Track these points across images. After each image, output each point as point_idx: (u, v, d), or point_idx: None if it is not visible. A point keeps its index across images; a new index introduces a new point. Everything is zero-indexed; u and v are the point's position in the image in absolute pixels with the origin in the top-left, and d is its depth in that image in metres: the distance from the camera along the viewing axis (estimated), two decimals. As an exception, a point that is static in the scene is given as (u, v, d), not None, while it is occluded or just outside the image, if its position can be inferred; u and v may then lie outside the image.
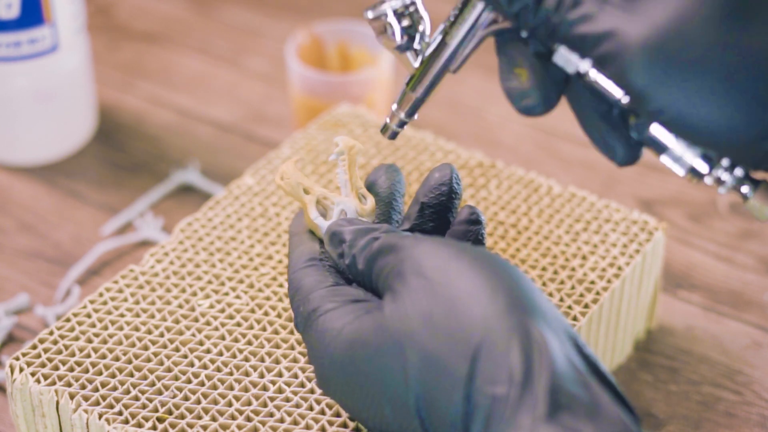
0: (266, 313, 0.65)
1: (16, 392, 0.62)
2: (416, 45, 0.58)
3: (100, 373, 0.62)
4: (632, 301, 0.71)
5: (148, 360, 0.62)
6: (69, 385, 0.61)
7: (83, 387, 0.61)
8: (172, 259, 0.68)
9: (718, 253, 0.83)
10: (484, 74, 1.02)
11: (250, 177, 0.75)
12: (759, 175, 0.53)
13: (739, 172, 0.53)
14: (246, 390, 0.61)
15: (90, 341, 0.63)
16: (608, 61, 0.52)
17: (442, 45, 0.57)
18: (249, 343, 0.63)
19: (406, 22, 0.58)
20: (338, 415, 0.60)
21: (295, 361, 0.62)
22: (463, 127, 0.96)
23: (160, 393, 0.61)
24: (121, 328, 0.64)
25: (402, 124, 0.60)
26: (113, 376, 0.61)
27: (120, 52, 1.06)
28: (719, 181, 0.53)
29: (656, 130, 0.53)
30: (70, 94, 0.91)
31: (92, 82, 0.94)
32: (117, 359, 0.62)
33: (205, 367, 0.62)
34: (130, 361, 0.62)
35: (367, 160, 0.76)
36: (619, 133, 0.55)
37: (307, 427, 0.59)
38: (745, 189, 0.53)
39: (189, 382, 0.61)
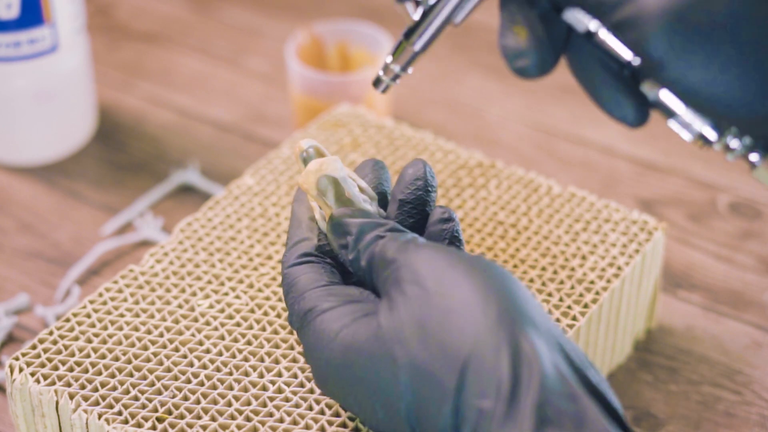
0: (266, 313, 0.65)
1: (15, 392, 0.62)
2: None
3: (99, 373, 0.62)
4: (632, 300, 0.71)
5: (148, 360, 0.62)
6: (69, 385, 0.61)
7: (83, 387, 0.61)
8: (171, 259, 0.68)
9: (718, 253, 0.83)
10: (484, 74, 1.02)
11: (250, 177, 0.75)
12: None
13: (747, 139, 0.52)
14: (245, 390, 0.61)
15: (90, 341, 0.63)
16: (625, 28, 0.50)
17: None
18: (248, 343, 0.63)
19: None
20: (338, 414, 0.60)
21: (294, 361, 0.62)
22: (462, 127, 0.96)
23: (159, 393, 0.61)
24: (120, 328, 0.64)
25: (395, 78, 0.58)
26: (113, 376, 0.61)
27: (120, 52, 1.06)
28: (727, 148, 0.52)
29: (666, 94, 0.52)
30: (70, 94, 0.91)
31: (92, 82, 0.94)
32: (117, 359, 0.62)
33: (204, 367, 0.62)
34: (129, 361, 0.62)
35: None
36: (630, 93, 0.53)
37: (307, 426, 0.59)
38: (753, 157, 0.52)
39: (188, 382, 0.61)
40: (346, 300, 0.56)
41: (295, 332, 0.64)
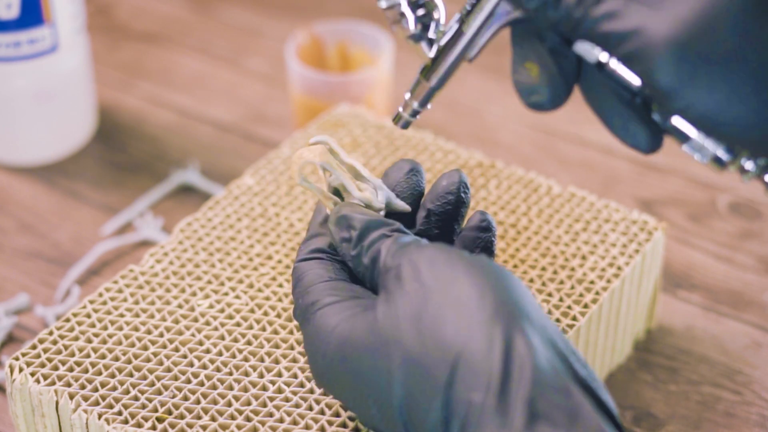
0: (266, 313, 0.65)
1: (15, 392, 0.62)
2: (431, 34, 0.57)
3: (99, 373, 0.62)
4: (632, 301, 0.71)
5: (148, 360, 0.62)
6: (68, 385, 0.61)
7: (83, 387, 0.61)
8: (171, 259, 0.68)
9: (718, 253, 0.83)
10: (484, 74, 1.02)
11: (249, 177, 0.75)
12: None
13: (762, 160, 0.52)
14: (245, 390, 0.61)
15: (90, 341, 0.63)
16: (633, 60, 0.51)
17: (458, 34, 0.56)
18: (248, 343, 0.63)
19: (420, 11, 0.57)
20: (338, 414, 0.60)
21: (294, 361, 0.62)
22: (462, 127, 0.96)
23: (159, 393, 0.61)
24: (120, 328, 0.64)
25: (415, 114, 0.59)
26: (113, 376, 0.61)
27: (120, 52, 1.06)
28: (742, 170, 0.53)
29: (678, 120, 0.53)
30: (70, 94, 0.91)
31: (92, 82, 0.94)
32: (117, 359, 0.62)
33: (204, 367, 0.62)
34: (129, 361, 0.62)
35: (367, 159, 0.76)
36: (642, 120, 0.54)
37: (307, 426, 0.59)
38: None
39: (188, 382, 0.61)
40: (349, 296, 0.56)
41: (295, 331, 0.64)
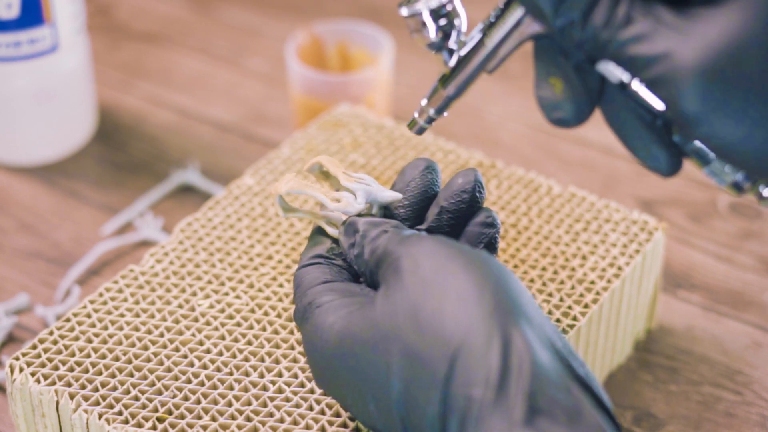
0: (266, 313, 0.65)
1: (16, 392, 0.62)
2: (451, 43, 0.57)
3: (100, 373, 0.62)
4: (632, 301, 0.71)
5: (148, 360, 0.62)
6: (69, 385, 0.61)
7: (83, 387, 0.61)
8: (172, 259, 0.68)
9: (718, 253, 0.83)
10: (484, 74, 1.02)
11: (250, 177, 0.75)
12: None
13: None
14: (246, 390, 0.61)
15: (90, 341, 0.63)
16: (659, 84, 0.50)
17: (479, 45, 0.56)
18: (249, 343, 0.63)
19: (442, 21, 0.56)
20: (338, 415, 0.60)
21: (294, 361, 0.62)
22: (463, 127, 0.96)
23: (160, 393, 0.61)
24: (121, 328, 0.64)
25: (430, 121, 0.59)
26: (113, 376, 0.61)
27: (120, 52, 1.06)
28: (761, 197, 0.53)
29: (699, 144, 0.53)
30: (70, 94, 0.91)
31: (92, 82, 0.94)
32: (117, 359, 0.62)
33: (205, 367, 0.62)
34: (130, 361, 0.62)
35: (367, 159, 0.76)
36: (663, 143, 0.54)
37: (307, 427, 0.59)
38: None
39: (189, 382, 0.61)
40: (346, 294, 0.56)
41: (295, 331, 0.64)
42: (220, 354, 0.63)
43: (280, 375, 0.62)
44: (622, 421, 0.71)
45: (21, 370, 0.62)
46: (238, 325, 0.64)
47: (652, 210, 0.87)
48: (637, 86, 0.52)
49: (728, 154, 0.51)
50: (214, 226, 0.71)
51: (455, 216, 0.60)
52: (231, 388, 0.61)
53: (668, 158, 0.54)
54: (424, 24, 0.56)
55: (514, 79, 1.02)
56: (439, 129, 0.95)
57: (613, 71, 0.52)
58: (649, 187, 0.90)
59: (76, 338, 0.63)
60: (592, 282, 0.67)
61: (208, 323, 0.65)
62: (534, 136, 0.95)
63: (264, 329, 0.64)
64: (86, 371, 0.62)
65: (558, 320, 0.65)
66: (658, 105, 0.52)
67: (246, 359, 0.62)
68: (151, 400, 0.60)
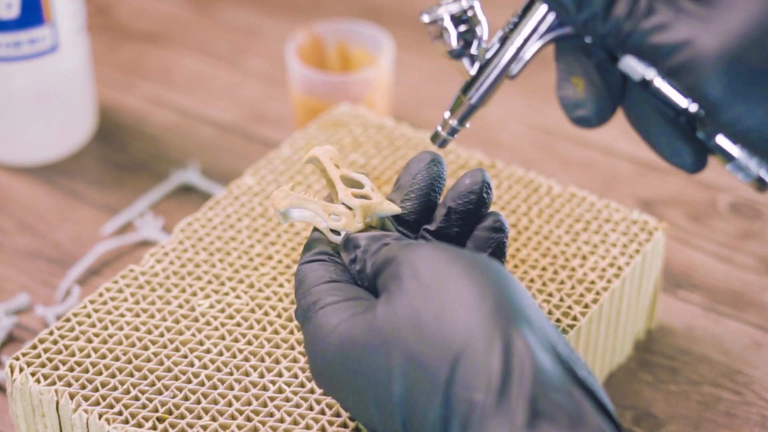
0: (266, 313, 0.65)
1: (16, 392, 0.62)
2: (473, 50, 0.56)
3: (100, 373, 0.62)
4: (632, 301, 0.71)
5: (148, 360, 0.62)
6: (69, 385, 0.61)
7: (83, 387, 0.61)
8: (172, 259, 0.68)
9: (718, 253, 0.83)
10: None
11: (250, 177, 0.75)
12: None
13: None
14: (246, 390, 0.61)
15: (90, 341, 0.63)
16: (682, 72, 0.50)
17: (501, 51, 0.56)
18: (249, 343, 0.63)
19: (462, 27, 0.56)
20: (338, 415, 0.60)
21: (295, 361, 0.62)
22: (463, 127, 0.96)
23: (160, 393, 0.61)
24: (121, 328, 0.64)
25: (453, 132, 0.59)
26: (113, 376, 0.61)
27: (120, 52, 1.06)
28: None
29: (723, 140, 0.53)
30: (70, 94, 0.91)
31: (92, 82, 0.94)
32: (117, 359, 0.62)
33: (205, 367, 0.62)
34: (130, 361, 0.62)
35: (368, 159, 0.76)
36: (687, 140, 0.54)
37: (307, 427, 0.59)
38: None
39: (189, 382, 0.61)
40: (349, 296, 0.56)
41: (295, 331, 0.64)
42: (220, 354, 0.63)
43: (280, 375, 0.62)
44: (622, 421, 0.71)
45: (21, 370, 0.62)
46: (238, 325, 0.64)
47: (652, 210, 0.87)
48: (660, 83, 0.52)
49: (752, 141, 0.51)
50: (214, 226, 0.71)
51: (463, 217, 0.60)
52: (231, 388, 0.61)
53: (693, 154, 0.54)
54: (444, 30, 0.56)
55: (514, 79, 1.02)
56: (439, 129, 0.95)
57: (636, 68, 0.52)
58: (649, 187, 0.90)
59: (76, 338, 0.63)
60: (592, 282, 0.67)
61: (208, 323, 0.65)
62: (534, 136, 0.95)
63: (264, 329, 0.64)
64: (86, 371, 0.62)
65: (558, 320, 0.65)
66: (682, 101, 0.52)
67: (246, 359, 0.62)
68: (151, 400, 0.60)
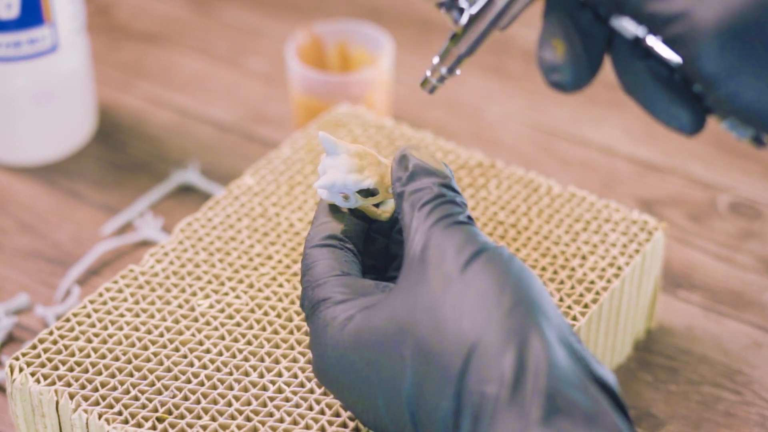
0: (266, 313, 0.65)
1: (15, 392, 0.62)
2: (462, 2, 0.56)
3: (99, 373, 0.62)
4: (632, 301, 0.71)
5: (148, 360, 0.62)
6: (69, 385, 0.61)
7: (83, 387, 0.61)
8: (171, 259, 0.68)
9: (718, 253, 0.83)
10: (484, 74, 1.02)
11: (250, 177, 0.75)
12: None
13: None
14: (246, 390, 0.61)
15: (90, 341, 0.63)
16: (677, 43, 0.50)
17: (490, 2, 0.55)
18: (249, 343, 0.63)
19: None
20: (338, 415, 0.60)
21: (294, 361, 0.62)
22: (462, 127, 0.96)
23: (159, 393, 0.61)
24: (120, 328, 0.64)
25: (442, 79, 0.59)
26: (113, 376, 0.61)
27: (120, 52, 1.06)
28: None
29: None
30: (70, 94, 0.91)
31: (92, 82, 0.94)
32: (117, 359, 0.62)
33: (204, 367, 0.62)
34: (129, 361, 0.62)
35: (367, 160, 0.76)
36: (683, 101, 0.53)
37: (307, 427, 0.59)
38: None
39: (189, 382, 0.61)
40: (360, 293, 0.56)
41: (295, 331, 0.64)
42: (220, 354, 0.63)
43: (279, 375, 0.62)
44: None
45: (21, 370, 0.62)
46: (238, 325, 0.64)
47: (652, 210, 0.87)
48: (653, 41, 0.51)
49: (749, 115, 0.50)
50: (214, 226, 0.71)
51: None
52: (231, 388, 0.61)
53: (690, 116, 0.53)
54: None
55: (514, 79, 1.02)
56: (439, 129, 0.95)
57: (627, 27, 0.52)
58: (648, 187, 0.90)
59: (76, 338, 0.63)
60: (592, 282, 0.67)
61: (207, 323, 0.65)
62: (534, 136, 0.95)
63: (264, 329, 0.64)
64: (86, 371, 0.62)
65: (558, 320, 0.65)
66: (675, 58, 0.51)
67: (246, 359, 0.62)
68: (150, 400, 0.60)
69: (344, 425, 0.59)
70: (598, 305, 0.67)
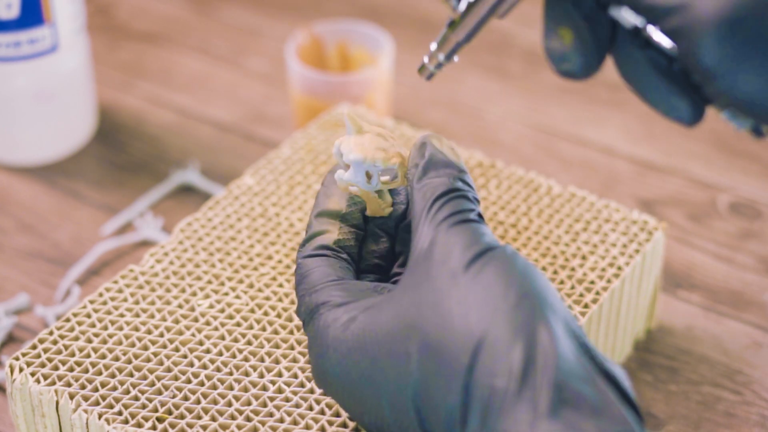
0: (266, 313, 0.65)
1: (15, 392, 0.62)
2: None
3: (99, 373, 0.62)
4: (632, 300, 0.71)
5: (148, 360, 0.62)
6: (69, 385, 0.61)
7: (83, 387, 0.61)
8: (171, 259, 0.68)
9: (718, 253, 0.83)
10: (484, 74, 1.02)
11: (250, 177, 0.75)
12: None
13: None
14: (246, 390, 0.61)
15: (90, 341, 0.63)
16: (677, 36, 0.50)
17: None
18: (249, 343, 0.63)
19: None
20: (338, 414, 0.60)
21: (294, 361, 0.62)
22: (463, 127, 0.96)
23: (159, 393, 0.61)
24: (120, 328, 0.64)
25: (439, 66, 0.59)
26: (113, 376, 0.61)
27: (120, 52, 1.06)
28: None
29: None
30: (70, 94, 0.91)
31: (92, 82, 0.94)
32: (117, 359, 0.62)
33: (204, 367, 0.62)
34: (129, 361, 0.62)
35: (367, 160, 0.76)
36: (682, 91, 0.53)
37: (307, 427, 0.59)
38: None
39: (189, 382, 0.61)
40: (359, 295, 0.56)
41: (295, 331, 0.64)
42: (220, 354, 0.63)
43: (279, 375, 0.62)
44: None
45: (21, 370, 0.62)
46: (238, 325, 0.64)
47: (652, 210, 0.87)
48: (652, 30, 0.51)
49: (748, 107, 0.50)
50: (214, 226, 0.71)
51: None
52: (231, 388, 0.61)
53: (689, 107, 0.53)
54: None
55: (514, 79, 1.02)
56: (440, 129, 0.95)
57: (626, 16, 0.52)
58: (648, 187, 0.90)
59: (76, 338, 0.63)
60: (592, 282, 0.67)
61: (207, 323, 0.65)
62: (534, 136, 0.95)
63: (264, 329, 0.64)
64: (86, 371, 0.62)
65: (558, 320, 0.65)
66: (674, 48, 0.51)
67: (246, 359, 0.62)
68: (150, 400, 0.60)
69: (344, 425, 0.59)
70: (598, 305, 0.67)
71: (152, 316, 0.65)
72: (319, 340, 0.56)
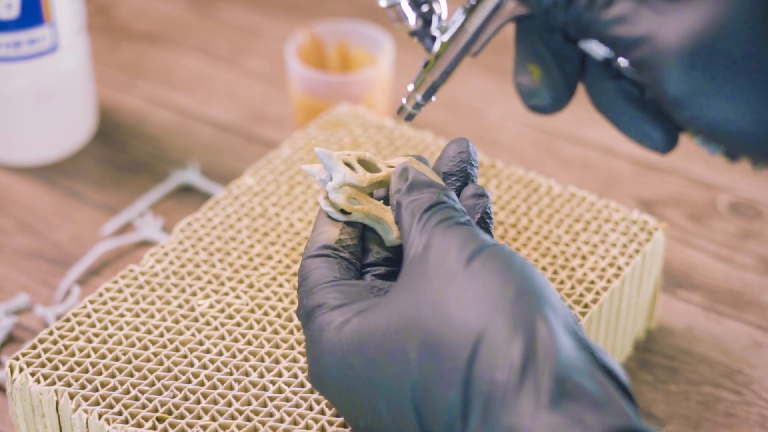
0: (266, 313, 0.65)
1: (15, 392, 0.62)
2: (433, 30, 0.57)
3: (99, 373, 0.62)
4: (632, 301, 0.71)
5: (148, 360, 0.62)
6: (69, 385, 0.61)
7: (83, 387, 0.61)
8: (171, 259, 0.68)
9: (718, 253, 0.83)
10: (484, 74, 1.02)
11: (250, 177, 0.75)
12: None
13: None
14: (246, 390, 0.61)
15: (90, 341, 0.63)
16: (642, 67, 0.50)
17: (461, 29, 0.56)
18: (249, 343, 0.63)
19: (423, 7, 0.57)
20: (338, 415, 0.60)
21: (294, 361, 0.62)
22: (463, 127, 0.96)
23: (159, 393, 0.61)
24: (120, 328, 0.64)
25: (418, 107, 0.59)
26: (113, 376, 0.61)
27: (120, 52, 1.06)
28: (754, 162, 0.52)
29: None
30: (70, 94, 0.91)
31: (92, 82, 0.94)
32: (117, 359, 0.62)
33: (204, 367, 0.62)
34: (129, 361, 0.62)
35: (367, 160, 0.76)
36: (655, 119, 0.53)
37: (307, 427, 0.59)
38: None
39: (189, 382, 0.61)
40: (355, 298, 0.56)
41: (295, 331, 0.64)
42: (220, 354, 0.63)
43: (279, 375, 0.62)
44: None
45: (21, 370, 0.62)
46: (238, 325, 0.64)
47: (652, 210, 0.87)
48: (622, 60, 0.52)
49: (714, 135, 0.51)
50: (214, 226, 0.71)
51: (459, 177, 0.61)
52: (231, 388, 0.61)
53: (662, 135, 0.54)
54: (403, 12, 0.57)
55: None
56: (440, 129, 0.95)
57: (596, 48, 0.53)
58: (649, 187, 0.90)
59: (76, 338, 0.63)
60: (592, 282, 0.67)
61: (208, 323, 0.65)
62: (534, 136, 0.95)
63: (264, 329, 0.64)
64: (86, 371, 0.62)
65: (558, 320, 0.65)
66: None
67: (246, 359, 0.62)
68: (150, 400, 0.60)
69: (344, 425, 0.59)
70: (598, 305, 0.67)
71: (152, 316, 0.65)
72: (314, 342, 0.56)
